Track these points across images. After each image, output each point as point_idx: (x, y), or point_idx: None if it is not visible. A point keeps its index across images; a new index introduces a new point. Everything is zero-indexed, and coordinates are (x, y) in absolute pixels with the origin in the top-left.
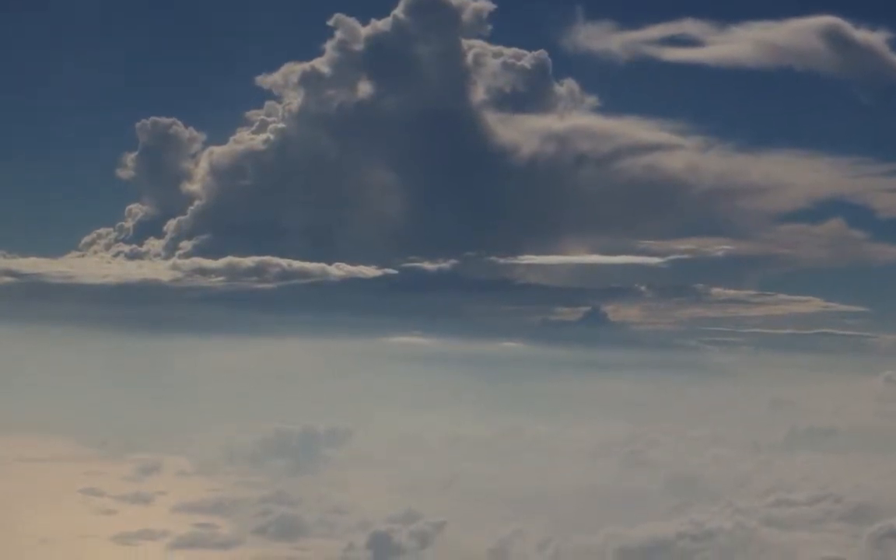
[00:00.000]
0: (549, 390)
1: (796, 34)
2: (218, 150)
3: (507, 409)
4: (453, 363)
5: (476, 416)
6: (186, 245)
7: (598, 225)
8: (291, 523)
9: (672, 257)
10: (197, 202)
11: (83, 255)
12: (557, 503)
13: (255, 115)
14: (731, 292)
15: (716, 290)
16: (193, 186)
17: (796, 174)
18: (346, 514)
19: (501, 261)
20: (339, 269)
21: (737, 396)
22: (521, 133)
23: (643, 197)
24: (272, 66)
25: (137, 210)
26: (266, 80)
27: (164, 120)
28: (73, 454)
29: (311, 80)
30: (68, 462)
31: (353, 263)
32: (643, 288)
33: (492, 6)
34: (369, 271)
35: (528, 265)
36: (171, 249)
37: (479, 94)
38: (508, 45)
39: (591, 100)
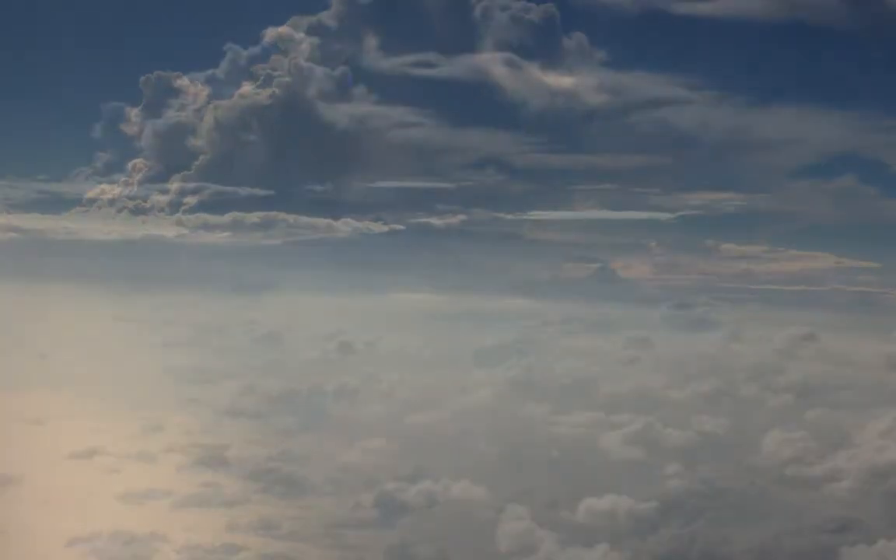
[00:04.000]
0: (558, 346)
1: None
2: (223, 104)
3: (516, 366)
4: (462, 319)
5: (485, 372)
6: (191, 200)
7: (608, 180)
8: (297, 482)
9: (682, 213)
10: (202, 157)
11: (87, 210)
12: (563, 460)
13: (261, 69)
14: (742, 248)
15: (726, 246)
16: (198, 142)
17: (809, 129)
18: (353, 473)
19: (510, 217)
20: (345, 225)
21: (747, 353)
22: (337, 114)
23: (653, 152)
24: (279, 20)
25: (141, 165)
26: (272, 34)
27: (169, 74)
28: (78, 412)
29: (317, 33)
30: (72, 420)
31: (359, 219)
32: (653, 244)
33: (318, 41)
34: (376, 227)
35: (537, 221)
36: (175, 205)
37: (487, 46)
38: (327, 65)
39: (600, 54)
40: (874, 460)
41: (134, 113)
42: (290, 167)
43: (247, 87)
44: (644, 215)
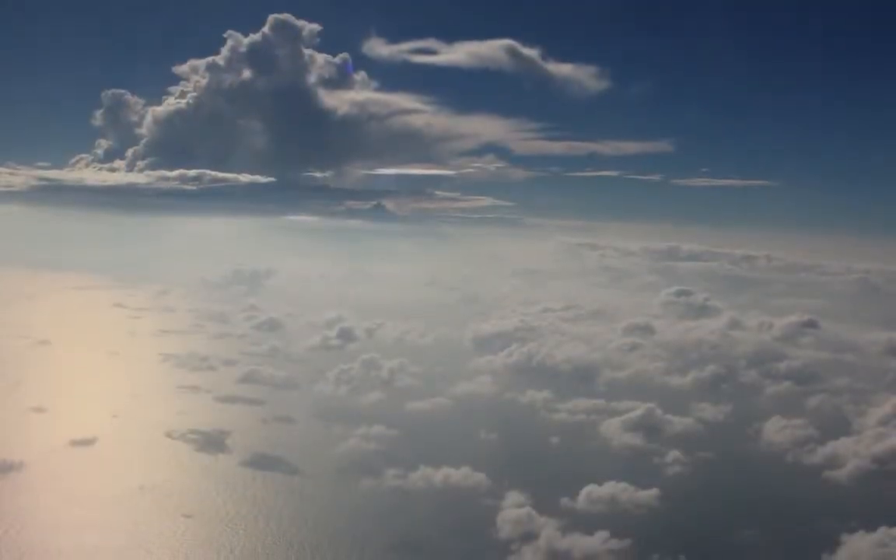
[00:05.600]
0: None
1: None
2: (156, 108)
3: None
4: (319, 232)
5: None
6: (141, 164)
7: (376, 154)
8: (271, 323)
9: (411, 173)
10: (144, 139)
11: (73, 170)
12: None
13: (176, 89)
14: (447, 194)
15: (438, 193)
16: (141, 130)
17: (480, 128)
18: (299, 317)
19: (320, 174)
20: (244, 177)
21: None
22: (337, 101)
23: (399, 139)
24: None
25: (104, 143)
26: (180, 69)
27: (119, 90)
28: (103, 284)
29: (212, 69)
30: (101, 289)
31: (251, 174)
32: (401, 190)
33: (319, 27)
34: (260, 178)
35: (347, 176)
36: (131, 167)
37: (312, 78)
38: (328, 51)
39: (374, 84)
40: (875, 447)
41: (98, 113)
42: (199, 143)
43: (170, 98)
44: (398, 172)
